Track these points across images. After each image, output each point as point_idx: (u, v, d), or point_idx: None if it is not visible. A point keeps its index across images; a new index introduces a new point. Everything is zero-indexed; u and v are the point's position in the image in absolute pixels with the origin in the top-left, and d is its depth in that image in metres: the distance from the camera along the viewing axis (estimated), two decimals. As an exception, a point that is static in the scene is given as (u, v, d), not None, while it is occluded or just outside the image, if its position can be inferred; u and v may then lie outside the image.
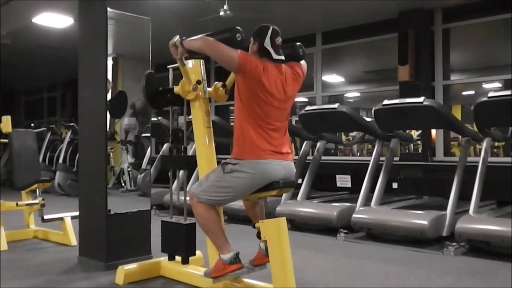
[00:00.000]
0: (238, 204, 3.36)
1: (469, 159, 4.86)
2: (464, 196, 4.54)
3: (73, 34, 4.59)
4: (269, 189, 2.63)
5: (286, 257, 2.52)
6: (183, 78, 3.05)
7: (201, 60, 3.14)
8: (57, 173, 8.84)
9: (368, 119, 5.97)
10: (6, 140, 5.10)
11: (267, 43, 2.66)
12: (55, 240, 4.63)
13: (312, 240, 4.74)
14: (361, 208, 4.88)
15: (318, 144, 5.84)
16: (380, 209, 4.86)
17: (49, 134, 10.01)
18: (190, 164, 2.80)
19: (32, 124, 12.40)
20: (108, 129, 3.68)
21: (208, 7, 6.24)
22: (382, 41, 7.16)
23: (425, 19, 6.49)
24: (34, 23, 7.22)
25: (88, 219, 3.82)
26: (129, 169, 7.32)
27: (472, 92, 8.01)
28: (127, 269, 3.26)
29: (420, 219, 4.34)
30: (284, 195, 5.23)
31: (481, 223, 4.10)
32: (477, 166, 4.54)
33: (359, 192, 5.10)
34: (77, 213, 3.95)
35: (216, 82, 3.22)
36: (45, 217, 4.58)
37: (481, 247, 4.03)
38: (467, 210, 4.33)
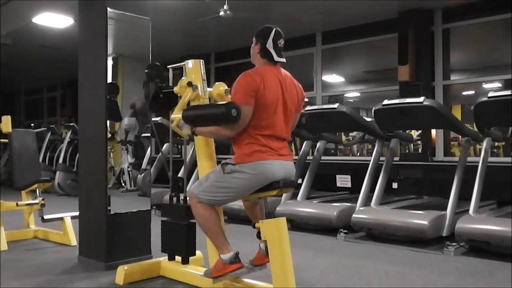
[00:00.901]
0: (238, 204, 3.36)
1: (469, 159, 4.86)
2: (464, 196, 4.55)
3: (73, 34, 4.59)
4: (269, 189, 2.63)
5: (286, 257, 2.52)
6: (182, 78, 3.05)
7: (201, 60, 3.14)
8: (57, 173, 8.85)
9: (368, 119, 5.96)
10: (6, 140, 5.11)
11: (269, 45, 2.66)
12: (55, 240, 4.63)
13: (312, 240, 4.74)
14: (361, 208, 4.88)
15: (318, 144, 5.83)
16: (380, 209, 4.85)
17: (49, 134, 10.02)
18: (190, 213, 2.86)
19: (32, 124, 12.40)
20: (108, 129, 3.68)
21: (208, 7, 6.24)
22: (382, 41, 7.17)
23: (425, 19, 6.49)
24: (34, 23, 7.22)
25: (88, 219, 3.82)
26: (129, 169, 7.30)
27: (472, 92, 8.00)
28: (127, 269, 3.26)
29: (420, 219, 4.34)
30: (284, 195, 5.23)
31: (481, 223, 4.10)
32: (477, 166, 4.54)
33: (359, 192, 5.10)
34: (77, 213, 3.95)
35: (216, 83, 3.21)
36: (45, 217, 4.58)
37: (481, 247, 4.02)
38: (467, 210, 4.33)
